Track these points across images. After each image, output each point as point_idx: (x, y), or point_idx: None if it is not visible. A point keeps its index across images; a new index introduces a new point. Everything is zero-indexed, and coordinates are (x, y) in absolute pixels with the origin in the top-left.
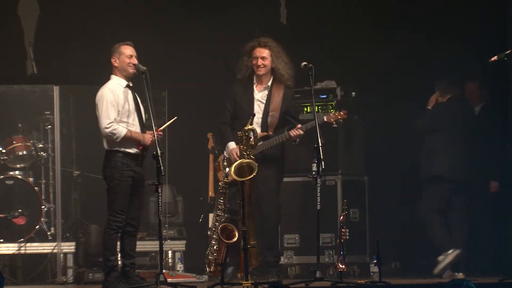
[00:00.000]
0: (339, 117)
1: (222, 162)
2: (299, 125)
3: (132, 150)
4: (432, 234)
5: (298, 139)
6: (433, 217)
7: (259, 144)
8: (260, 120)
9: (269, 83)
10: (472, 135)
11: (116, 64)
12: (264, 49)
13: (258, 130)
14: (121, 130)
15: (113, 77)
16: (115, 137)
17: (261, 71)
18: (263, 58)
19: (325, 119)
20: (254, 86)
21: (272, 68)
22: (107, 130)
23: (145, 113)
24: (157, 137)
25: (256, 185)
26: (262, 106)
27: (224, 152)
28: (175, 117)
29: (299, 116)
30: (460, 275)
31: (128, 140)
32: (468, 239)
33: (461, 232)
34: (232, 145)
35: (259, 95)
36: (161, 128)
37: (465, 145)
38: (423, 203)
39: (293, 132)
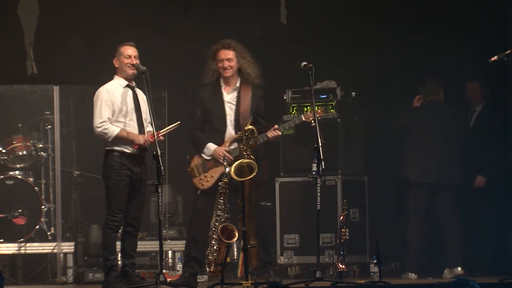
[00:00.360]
0: (317, 114)
1: (196, 168)
2: (276, 126)
3: (128, 150)
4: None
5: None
6: (411, 220)
7: (235, 147)
8: (233, 121)
9: (237, 84)
10: (454, 137)
11: (116, 65)
12: (229, 51)
13: (232, 132)
14: (113, 130)
15: (115, 77)
16: (106, 136)
17: (228, 73)
18: (228, 59)
19: (303, 118)
20: (222, 89)
21: (239, 68)
22: (98, 130)
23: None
24: (157, 139)
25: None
26: (233, 107)
27: (203, 155)
28: (178, 122)
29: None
30: (459, 270)
31: (122, 139)
32: (464, 239)
33: (455, 233)
34: (212, 145)
35: (229, 97)
36: (162, 132)
37: (443, 146)
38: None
39: (271, 133)
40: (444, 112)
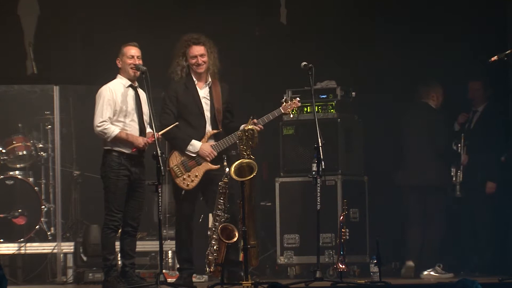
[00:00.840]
0: (294, 106)
1: (177, 168)
2: (255, 120)
3: (126, 150)
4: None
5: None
6: (409, 221)
7: (214, 143)
8: (209, 117)
9: (209, 79)
10: (433, 140)
11: (119, 65)
12: (200, 46)
13: (209, 128)
14: (113, 130)
15: (118, 76)
16: (106, 136)
17: (202, 69)
18: (201, 55)
19: (282, 111)
20: (195, 84)
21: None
22: (98, 129)
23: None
24: (156, 140)
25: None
26: (209, 102)
27: (187, 152)
28: (176, 123)
29: (299, 116)
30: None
31: (122, 140)
32: (464, 239)
33: (433, 238)
34: (198, 142)
35: (203, 92)
36: (161, 132)
37: (424, 148)
38: None
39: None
40: (425, 115)
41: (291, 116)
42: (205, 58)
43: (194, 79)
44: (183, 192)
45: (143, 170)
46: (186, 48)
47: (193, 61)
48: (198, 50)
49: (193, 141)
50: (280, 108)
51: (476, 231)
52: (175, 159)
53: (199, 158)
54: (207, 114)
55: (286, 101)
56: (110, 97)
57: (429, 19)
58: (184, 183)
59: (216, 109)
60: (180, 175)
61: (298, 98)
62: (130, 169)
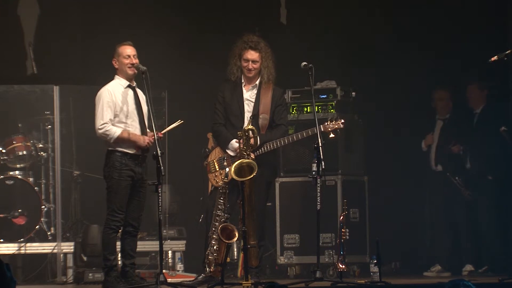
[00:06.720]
0: (336, 126)
1: (212, 163)
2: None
3: (130, 150)
4: None
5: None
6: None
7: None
8: (249, 119)
9: (257, 82)
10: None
11: (116, 66)
12: (255, 52)
13: None
14: (114, 130)
15: (116, 77)
16: (108, 138)
17: (251, 74)
18: (254, 61)
19: (322, 129)
20: (243, 86)
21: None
22: (100, 131)
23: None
24: (157, 138)
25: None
26: (251, 105)
27: (228, 151)
28: (181, 121)
29: (299, 116)
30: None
31: (124, 141)
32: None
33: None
34: (236, 143)
35: (248, 94)
36: (164, 131)
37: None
38: None
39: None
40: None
41: (330, 136)
42: (256, 65)
43: (243, 81)
44: (212, 188)
45: (146, 170)
46: (242, 50)
47: (245, 64)
48: (252, 55)
49: (232, 141)
50: (321, 126)
51: (476, 231)
52: (214, 155)
53: (236, 158)
54: (247, 116)
55: (331, 120)
56: (110, 99)
57: (429, 19)
58: (214, 180)
59: (261, 115)
60: (213, 171)
61: (342, 120)
62: (134, 169)
